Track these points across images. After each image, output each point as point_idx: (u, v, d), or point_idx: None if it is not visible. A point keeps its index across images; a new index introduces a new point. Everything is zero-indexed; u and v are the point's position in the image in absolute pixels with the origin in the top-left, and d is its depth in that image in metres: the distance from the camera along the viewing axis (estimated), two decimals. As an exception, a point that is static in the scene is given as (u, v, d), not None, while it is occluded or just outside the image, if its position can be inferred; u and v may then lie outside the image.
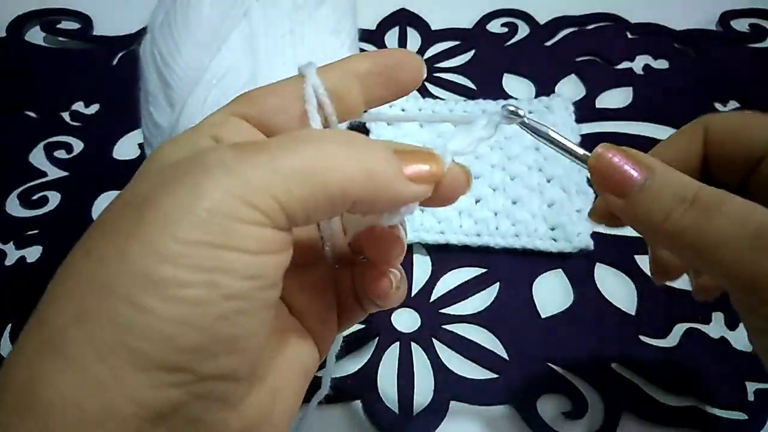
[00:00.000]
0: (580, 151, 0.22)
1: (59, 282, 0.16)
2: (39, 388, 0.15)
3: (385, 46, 0.53)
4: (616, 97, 0.49)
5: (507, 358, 0.36)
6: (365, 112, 0.22)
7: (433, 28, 0.55)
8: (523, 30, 0.55)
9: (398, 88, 0.22)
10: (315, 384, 0.24)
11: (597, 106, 0.49)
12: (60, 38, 0.55)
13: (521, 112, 0.21)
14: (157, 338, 0.15)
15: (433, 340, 0.37)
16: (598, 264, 0.40)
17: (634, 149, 0.21)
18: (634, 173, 0.20)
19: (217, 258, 0.16)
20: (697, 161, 0.24)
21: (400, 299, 0.24)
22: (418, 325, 0.37)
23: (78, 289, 0.16)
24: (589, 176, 0.22)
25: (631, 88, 0.50)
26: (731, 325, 0.37)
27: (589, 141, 0.45)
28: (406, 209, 0.20)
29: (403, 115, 0.24)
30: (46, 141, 0.48)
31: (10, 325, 0.38)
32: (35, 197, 0.44)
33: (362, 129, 0.47)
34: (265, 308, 0.17)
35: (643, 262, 0.40)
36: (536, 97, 0.49)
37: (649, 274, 0.28)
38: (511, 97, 0.49)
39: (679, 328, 0.37)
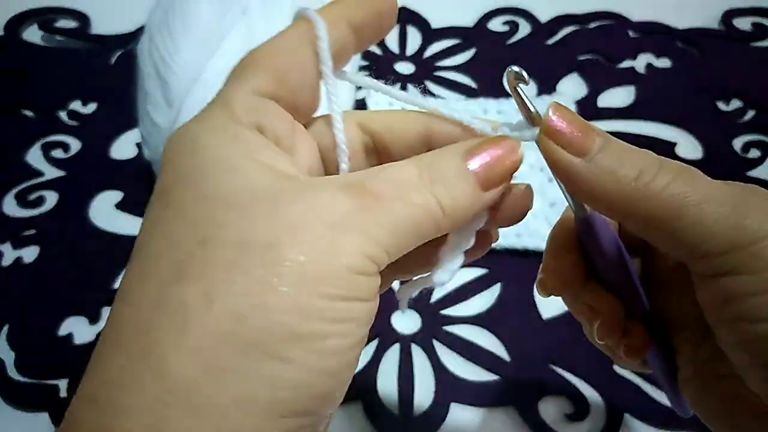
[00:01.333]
0: (532, 108, 0.20)
1: (176, 330, 0.15)
2: None
3: (385, 45, 0.53)
4: (619, 96, 0.49)
5: (508, 359, 0.36)
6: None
7: (433, 26, 0.55)
8: (525, 28, 0.54)
9: (379, 35, 0.21)
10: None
11: (599, 104, 0.48)
12: (57, 37, 0.55)
13: (525, 75, 0.19)
14: (297, 387, 0.16)
15: (434, 341, 0.36)
16: (600, 264, 0.40)
17: None
18: (590, 136, 0.19)
19: (349, 310, 0.16)
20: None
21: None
22: (419, 326, 0.37)
23: (206, 340, 0.15)
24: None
25: (633, 87, 0.49)
26: (734, 326, 0.36)
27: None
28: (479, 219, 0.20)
29: (381, 86, 0.22)
30: (44, 140, 0.47)
31: (7, 326, 0.38)
32: (32, 197, 0.44)
33: (361, 107, 0.47)
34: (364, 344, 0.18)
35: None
36: (538, 95, 0.49)
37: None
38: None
39: (682, 330, 0.37)
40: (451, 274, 0.20)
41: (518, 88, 0.19)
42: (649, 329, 0.23)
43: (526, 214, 0.21)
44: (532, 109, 0.20)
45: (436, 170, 0.18)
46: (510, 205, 0.20)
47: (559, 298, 0.39)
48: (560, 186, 0.20)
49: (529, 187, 0.21)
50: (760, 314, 0.17)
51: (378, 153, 0.21)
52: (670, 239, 0.18)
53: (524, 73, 0.19)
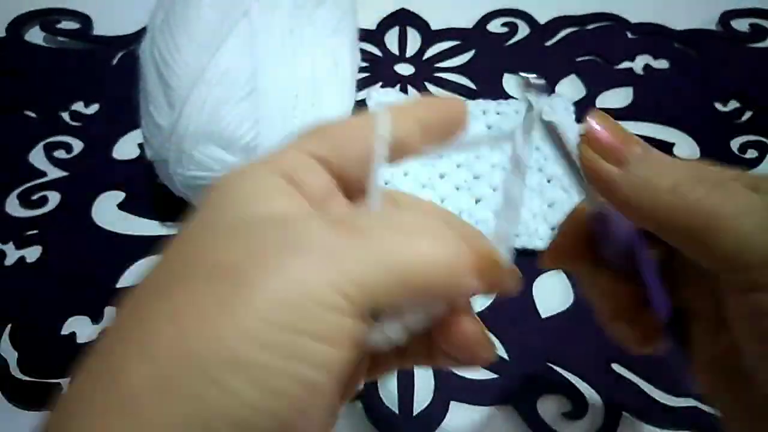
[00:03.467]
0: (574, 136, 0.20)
1: (134, 338, 0.15)
2: None
3: (385, 46, 0.53)
4: (617, 97, 0.49)
5: (507, 358, 0.36)
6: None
7: (433, 27, 0.55)
8: (524, 30, 0.55)
9: (448, 136, 0.21)
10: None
11: (597, 105, 0.49)
12: (60, 38, 0.55)
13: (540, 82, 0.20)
14: (233, 421, 0.15)
15: (434, 340, 0.37)
16: (598, 264, 0.40)
17: None
18: (629, 146, 0.19)
19: (303, 347, 0.15)
20: None
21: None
22: (418, 325, 0.37)
23: (157, 353, 0.15)
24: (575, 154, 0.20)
25: (631, 88, 0.50)
26: (732, 326, 0.37)
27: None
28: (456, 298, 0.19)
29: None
30: (46, 141, 0.48)
31: (9, 325, 0.38)
32: (35, 197, 0.44)
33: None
34: (332, 403, 0.17)
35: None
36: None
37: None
38: (511, 97, 0.49)
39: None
40: (381, 339, 0.18)
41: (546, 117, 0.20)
42: (665, 318, 0.22)
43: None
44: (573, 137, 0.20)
45: (444, 234, 0.18)
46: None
47: (557, 298, 0.39)
48: (575, 176, 0.20)
49: (515, 274, 0.21)
50: None
51: None
52: (705, 251, 0.18)
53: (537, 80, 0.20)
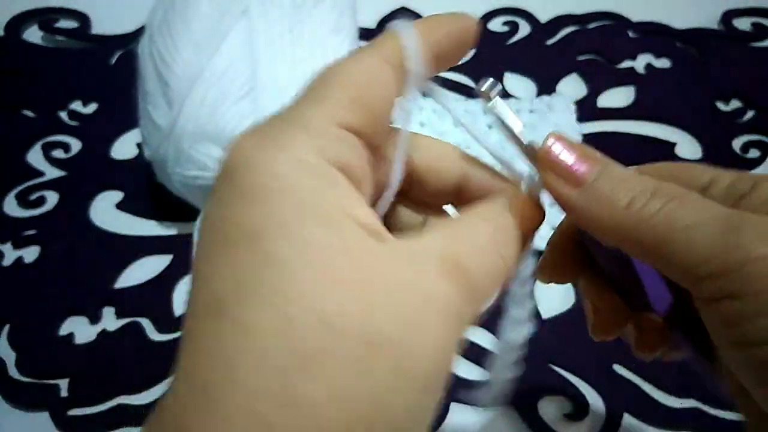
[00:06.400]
0: (525, 139, 0.20)
1: None
2: None
3: (385, 45, 0.53)
4: (618, 97, 0.49)
5: (508, 359, 0.36)
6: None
7: (433, 26, 0.55)
8: (525, 29, 0.54)
9: (459, 58, 0.21)
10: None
11: (599, 105, 0.48)
12: (58, 37, 0.55)
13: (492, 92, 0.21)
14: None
15: (434, 341, 0.37)
16: (599, 264, 0.40)
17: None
18: (587, 166, 0.19)
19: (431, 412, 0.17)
20: None
21: None
22: (419, 326, 0.37)
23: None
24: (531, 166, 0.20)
25: (633, 87, 0.49)
26: (734, 326, 0.36)
27: (590, 140, 0.45)
28: None
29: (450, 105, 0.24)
30: (44, 140, 0.47)
31: (8, 326, 0.38)
32: (33, 197, 0.44)
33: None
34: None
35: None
36: (538, 96, 0.49)
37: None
38: (513, 97, 0.49)
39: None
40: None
41: (502, 118, 0.21)
42: (675, 322, 0.22)
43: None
44: (524, 141, 0.20)
45: (504, 233, 0.19)
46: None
47: (558, 299, 0.39)
48: (524, 158, 0.21)
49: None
50: (757, 337, 0.16)
51: (410, 178, 0.21)
52: (664, 264, 0.18)
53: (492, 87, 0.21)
